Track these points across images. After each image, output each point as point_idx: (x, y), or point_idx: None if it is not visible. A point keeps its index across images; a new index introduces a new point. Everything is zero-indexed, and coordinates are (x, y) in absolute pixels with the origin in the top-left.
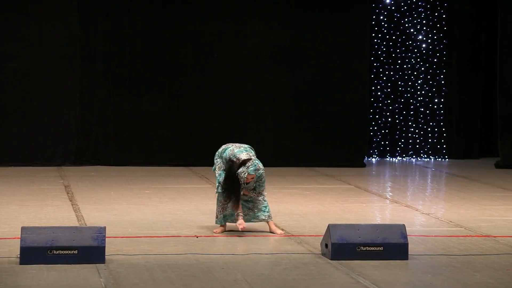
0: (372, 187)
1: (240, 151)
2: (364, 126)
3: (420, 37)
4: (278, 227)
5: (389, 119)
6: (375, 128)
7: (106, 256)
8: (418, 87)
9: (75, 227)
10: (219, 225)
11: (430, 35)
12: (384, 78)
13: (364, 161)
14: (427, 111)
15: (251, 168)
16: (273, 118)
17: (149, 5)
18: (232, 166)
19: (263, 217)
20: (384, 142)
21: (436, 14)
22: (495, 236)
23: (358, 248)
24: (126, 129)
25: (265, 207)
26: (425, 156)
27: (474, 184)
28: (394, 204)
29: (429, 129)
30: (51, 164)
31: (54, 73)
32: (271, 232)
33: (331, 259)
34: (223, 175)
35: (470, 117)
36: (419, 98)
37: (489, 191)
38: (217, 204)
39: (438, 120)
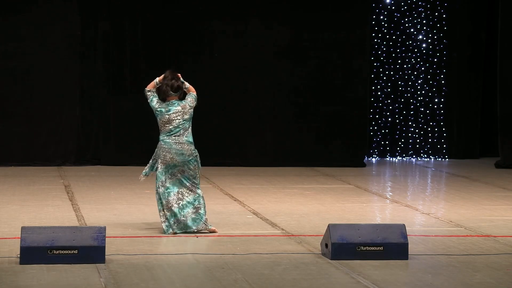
0: (372, 187)
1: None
2: (364, 126)
3: (420, 37)
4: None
5: (389, 119)
6: (375, 128)
7: (106, 256)
8: (418, 87)
9: (75, 227)
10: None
11: (430, 35)
12: (384, 78)
13: (364, 161)
14: (427, 111)
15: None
16: (273, 118)
17: (149, 5)
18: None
19: (202, 226)
20: (384, 142)
21: (436, 14)
22: (495, 236)
23: (358, 248)
24: (126, 129)
25: (202, 213)
26: (425, 156)
27: (474, 184)
28: (394, 204)
29: (429, 129)
30: (51, 164)
31: (54, 73)
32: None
33: (331, 259)
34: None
35: (470, 117)
36: (419, 98)
37: (489, 191)
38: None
39: (438, 120)
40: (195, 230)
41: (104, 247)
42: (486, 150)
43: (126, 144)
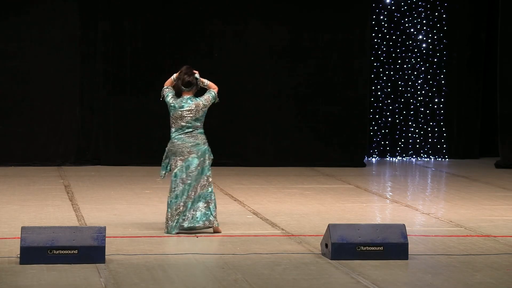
0: (372, 187)
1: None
2: (364, 126)
3: (420, 37)
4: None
5: (389, 119)
6: (375, 128)
7: (106, 256)
8: (418, 87)
9: (75, 227)
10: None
11: (430, 35)
12: (384, 78)
13: (364, 161)
14: (427, 111)
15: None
16: (274, 118)
17: (149, 5)
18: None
19: (211, 221)
20: (384, 142)
21: (436, 14)
22: (495, 236)
23: (358, 248)
24: (126, 129)
25: (213, 208)
26: (425, 156)
27: (474, 184)
28: (394, 204)
29: (429, 129)
30: (51, 164)
31: (54, 73)
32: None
33: (331, 259)
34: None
35: (470, 117)
36: (419, 98)
37: (489, 191)
38: (168, 208)
39: (438, 120)
40: (202, 226)
41: (104, 247)
42: (486, 150)
43: (126, 144)
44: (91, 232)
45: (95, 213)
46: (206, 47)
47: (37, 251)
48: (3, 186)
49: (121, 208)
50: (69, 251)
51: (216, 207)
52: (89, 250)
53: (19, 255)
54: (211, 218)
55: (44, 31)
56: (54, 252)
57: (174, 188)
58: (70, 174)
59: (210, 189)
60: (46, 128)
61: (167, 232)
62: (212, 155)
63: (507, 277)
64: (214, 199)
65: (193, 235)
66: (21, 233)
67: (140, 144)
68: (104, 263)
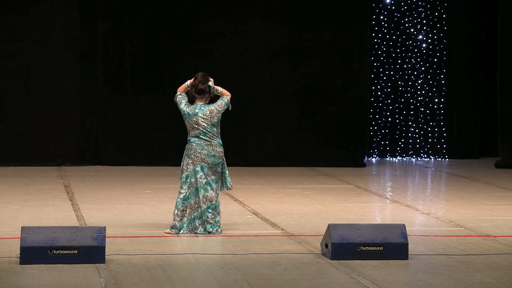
0: (372, 187)
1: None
2: (364, 126)
3: (420, 37)
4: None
5: (389, 119)
6: (375, 128)
7: (106, 256)
8: (418, 87)
9: (75, 227)
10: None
11: (430, 35)
12: (384, 78)
13: (364, 161)
14: (427, 111)
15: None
16: (274, 118)
17: (149, 5)
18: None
19: (212, 230)
20: (384, 142)
21: (436, 14)
22: (495, 236)
23: (358, 248)
24: (126, 129)
25: (218, 219)
26: (425, 156)
27: (474, 184)
28: (394, 204)
29: (429, 129)
30: (51, 164)
31: (54, 73)
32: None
33: (331, 259)
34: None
35: (470, 117)
36: (419, 98)
37: (489, 191)
38: (176, 207)
39: (438, 120)
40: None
41: (104, 247)
42: (486, 150)
43: (126, 144)
44: (91, 232)
45: (95, 213)
46: (206, 47)
47: (37, 251)
48: (3, 186)
49: (121, 208)
50: (69, 251)
51: (220, 219)
52: (89, 250)
53: (19, 255)
54: (215, 229)
55: (44, 31)
56: (54, 252)
57: (184, 190)
58: (70, 174)
59: (218, 201)
60: (46, 128)
61: (173, 229)
62: (226, 168)
63: (507, 277)
64: (220, 210)
65: (194, 235)
66: (21, 233)
67: (140, 144)
68: (104, 263)
